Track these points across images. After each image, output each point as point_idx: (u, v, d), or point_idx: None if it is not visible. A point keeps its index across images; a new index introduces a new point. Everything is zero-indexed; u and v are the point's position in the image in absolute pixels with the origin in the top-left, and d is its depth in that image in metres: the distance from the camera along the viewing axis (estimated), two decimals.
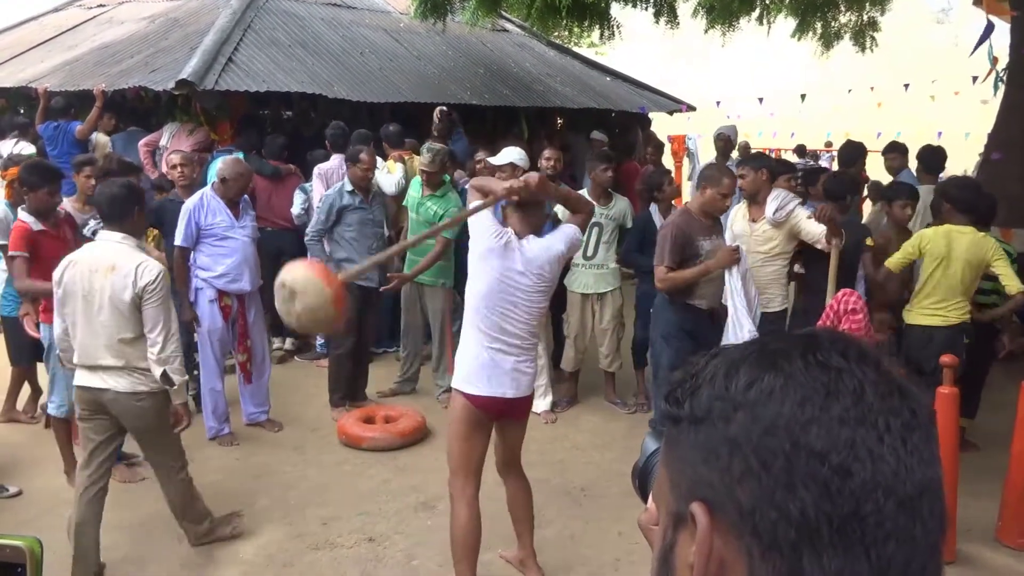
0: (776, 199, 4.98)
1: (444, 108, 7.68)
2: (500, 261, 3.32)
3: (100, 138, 7.70)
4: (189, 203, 5.19)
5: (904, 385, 0.66)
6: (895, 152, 6.88)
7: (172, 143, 7.20)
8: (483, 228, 3.35)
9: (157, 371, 3.57)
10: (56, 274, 3.65)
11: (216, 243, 5.17)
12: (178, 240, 5.13)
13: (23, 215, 4.56)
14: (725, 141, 7.80)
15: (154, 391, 3.65)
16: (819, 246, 4.86)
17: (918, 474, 0.62)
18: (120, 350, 3.59)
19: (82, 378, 3.66)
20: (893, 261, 4.75)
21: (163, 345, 3.58)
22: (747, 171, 5.14)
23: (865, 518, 0.60)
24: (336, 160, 6.64)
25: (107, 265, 3.57)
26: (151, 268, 3.59)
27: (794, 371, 0.64)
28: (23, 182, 4.58)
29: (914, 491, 0.62)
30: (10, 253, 4.47)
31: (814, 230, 4.88)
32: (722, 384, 0.66)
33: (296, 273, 2.71)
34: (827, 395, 0.63)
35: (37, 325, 4.73)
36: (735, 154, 8.51)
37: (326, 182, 6.50)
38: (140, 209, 3.79)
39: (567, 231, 3.51)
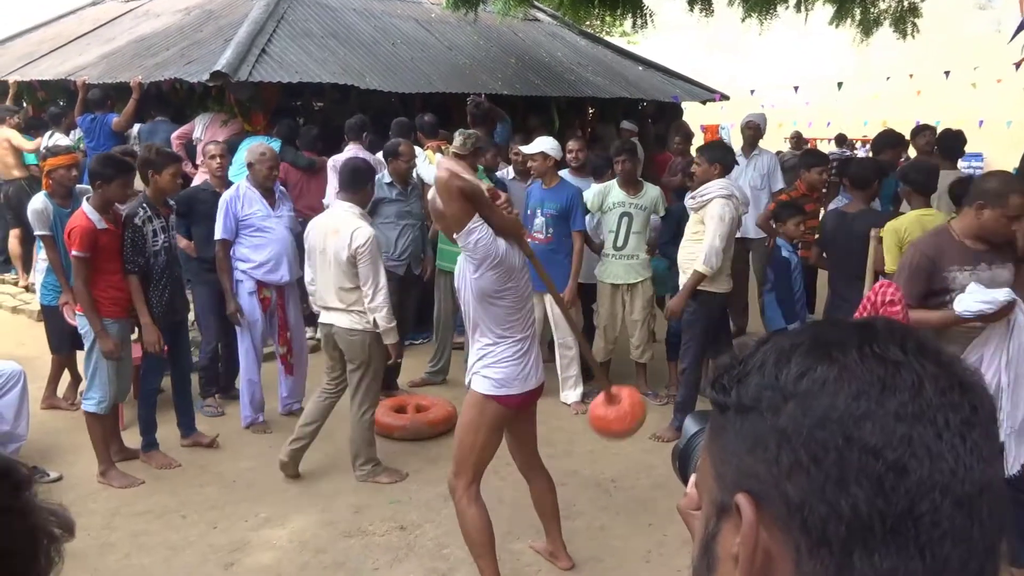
0: (703, 186, 5.02)
1: (473, 98, 7.67)
2: (516, 264, 3.32)
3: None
4: (226, 195, 5.25)
5: (966, 379, 0.63)
6: (927, 131, 6.76)
7: (207, 134, 7.26)
8: (490, 263, 3.21)
9: (370, 317, 4.46)
10: (305, 234, 4.69)
11: (254, 233, 5.22)
12: (218, 233, 5.19)
13: (88, 211, 4.47)
14: (754, 129, 7.53)
15: (366, 329, 4.49)
16: (695, 265, 4.96)
17: (977, 473, 0.60)
18: (342, 296, 4.48)
19: (321, 317, 4.66)
20: (891, 266, 4.61)
21: (372, 296, 4.44)
22: (702, 160, 5.14)
23: (920, 517, 0.59)
24: (351, 150, 6.61)
25: (333, 228, 4.48)
26: (363, 232, 4.40)
27: (849, 362, 0.62)
28: (96, 175, 4.48)
29: (973, 490, 0.60)
30: (74, 253, 4.43)
31: (706, 237, 4.94)
32: (772, 373, 0.64)
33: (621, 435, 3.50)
34: (883, 389, 0.61)
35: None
36: (763, 143, 8.26)
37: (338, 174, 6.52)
38: (371, 185, 4.75)
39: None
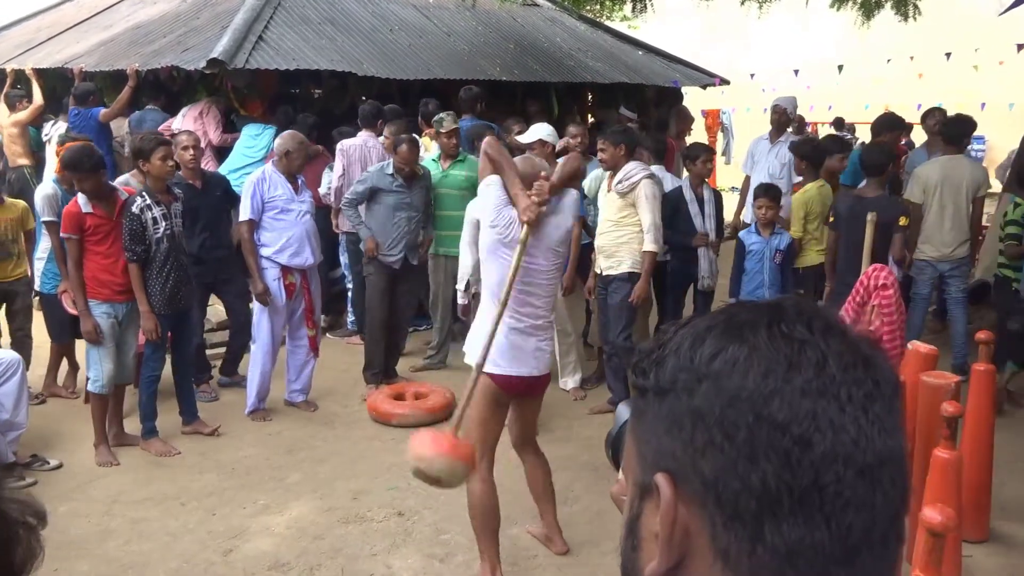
0: (624, 170, 5.10)
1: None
2: (512, 251, 3.32)
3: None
4: (252, 177, 5.36)
5: (871, 355, 0.66)
6: (936, 113, 6.74)
7: (184, 123, 7.19)
8: (490, 222, 3.37)
9: None
10: None
11: (277, 216, 5.27)
12: (244, 214, 5.25)
13: (79, 195, 4.64)
14: (780, 114, 7.19)
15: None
16: (646, 247, 5.06)
17: (879, 444, 0.63)
18: None
19: None
20: (796, 232, 5.54)
21: None
22: (607, 145, 5.17)
23: (825, 488, 0.61)
24: (362, 136, 6.63)
25: None
26: None
27: (758, 342, 0.64)
28: (68, 170, 4.65)
29: (874, 460, 0.62)
30: (61, 235, 4.63)
31: (644, 219, 5.03)
32: (687, 355, 0.66)
33: (431, 461, 2.81)
34: (789, 367, 0.63)
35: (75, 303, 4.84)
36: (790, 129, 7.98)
37: (346, 157, 6.49)
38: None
39: (570, 202, 3.55)
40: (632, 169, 5.12)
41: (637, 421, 0.71)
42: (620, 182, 5.12)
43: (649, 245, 5.10)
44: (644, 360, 0.70)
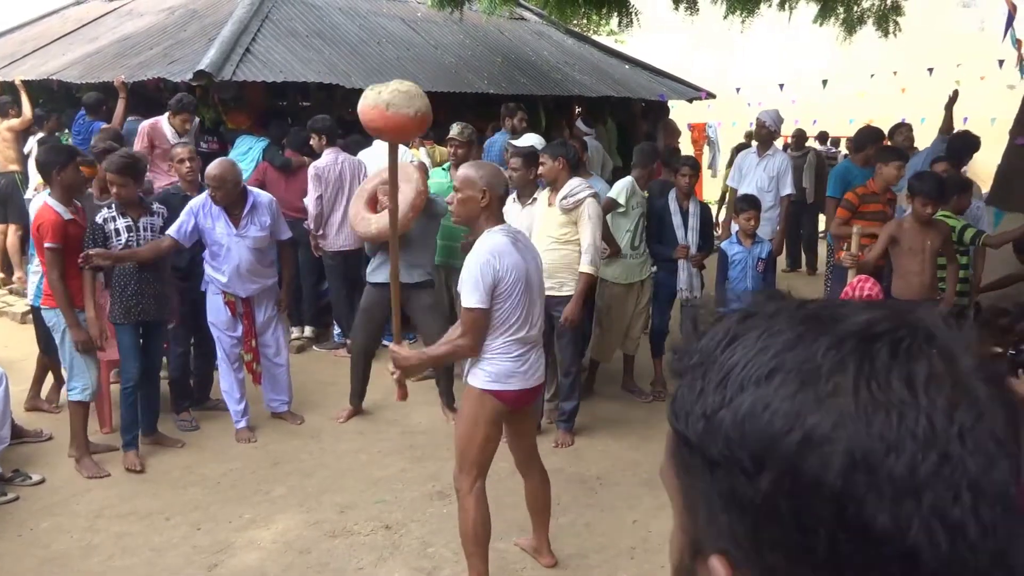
0: (568, 186, 4.97)
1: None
2: (508, 281, 3.34)
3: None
4: (194, 202, 5.03)
5: (998, 402, 0.51)
6: (903, 128, 6.87)
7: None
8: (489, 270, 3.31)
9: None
10: None
11: (214, 248, 5.08)
12: (171, 230, 4.87)
13: (53, 204, 4.51)
14: (763, 128, 7.20)
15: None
16: (582, 268, 4.87)
17: (1003, 538, 0.49)
18: None
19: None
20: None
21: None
22: (546, 159, 5.09)
23: None
24: (331, 155, 6.44)
25: None
26: None
27: (844, 408, 0.50)
28: (49, 164, 4.56)
29: (993, 566, 0.49)
30: (47, 245, 4.46)
31: (584, 239, 4.88)
32: (742, 423, 0.53)
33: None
34: (888, 451, 0.49)
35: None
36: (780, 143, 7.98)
37: (322, 182, 6.35)
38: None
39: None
40: (577, 186, 4.96)
41: (684, 472, 0.58)
42: (565, 198, 4.94)
43: (586, 266, 4.87)
44: (684, 396, 0.57)
